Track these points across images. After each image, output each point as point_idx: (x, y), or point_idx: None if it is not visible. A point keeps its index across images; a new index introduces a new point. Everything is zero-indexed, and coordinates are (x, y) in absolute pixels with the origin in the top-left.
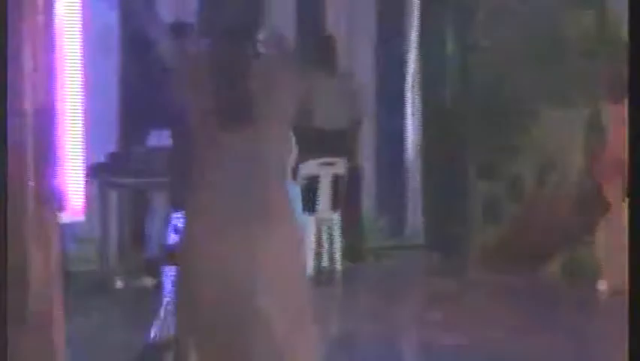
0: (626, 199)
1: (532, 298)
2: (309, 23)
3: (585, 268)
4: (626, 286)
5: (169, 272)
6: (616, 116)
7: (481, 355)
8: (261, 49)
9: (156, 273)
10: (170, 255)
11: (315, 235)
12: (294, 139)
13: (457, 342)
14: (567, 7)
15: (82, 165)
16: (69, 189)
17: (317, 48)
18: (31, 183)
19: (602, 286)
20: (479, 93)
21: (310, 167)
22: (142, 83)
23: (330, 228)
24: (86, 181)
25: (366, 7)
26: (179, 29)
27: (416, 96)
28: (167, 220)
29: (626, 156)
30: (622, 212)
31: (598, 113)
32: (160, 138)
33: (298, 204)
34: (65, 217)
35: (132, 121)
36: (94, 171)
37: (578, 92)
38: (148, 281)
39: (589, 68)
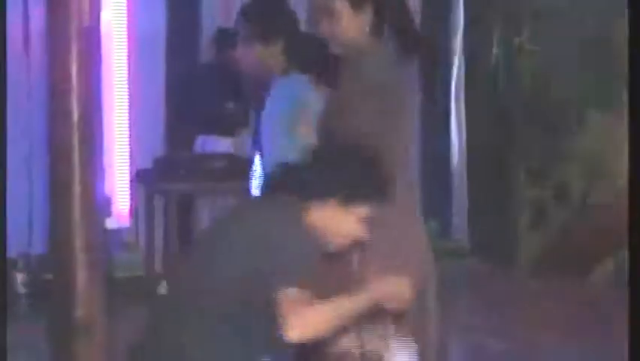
0: None
1: (582, 304)
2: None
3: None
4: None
5: None
6: None
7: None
8: None
9: None
10: None
11: None
12: None
13: (507, 347)
14: (616, 9)
15: (128, 170)
16: (115, 194)
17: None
18: (78, 189)
19: None
20: (527, 97)
21: None
22: (188, 88)
23: None
24: (132, 187)
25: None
26: (224, 36)
27: (462, 98)
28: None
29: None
30: None
31: None
32: (205, 144)
33: None
34: (112, 223)
35: (178, 126)
36: (140, 177)
37: (626, 96)
38: None
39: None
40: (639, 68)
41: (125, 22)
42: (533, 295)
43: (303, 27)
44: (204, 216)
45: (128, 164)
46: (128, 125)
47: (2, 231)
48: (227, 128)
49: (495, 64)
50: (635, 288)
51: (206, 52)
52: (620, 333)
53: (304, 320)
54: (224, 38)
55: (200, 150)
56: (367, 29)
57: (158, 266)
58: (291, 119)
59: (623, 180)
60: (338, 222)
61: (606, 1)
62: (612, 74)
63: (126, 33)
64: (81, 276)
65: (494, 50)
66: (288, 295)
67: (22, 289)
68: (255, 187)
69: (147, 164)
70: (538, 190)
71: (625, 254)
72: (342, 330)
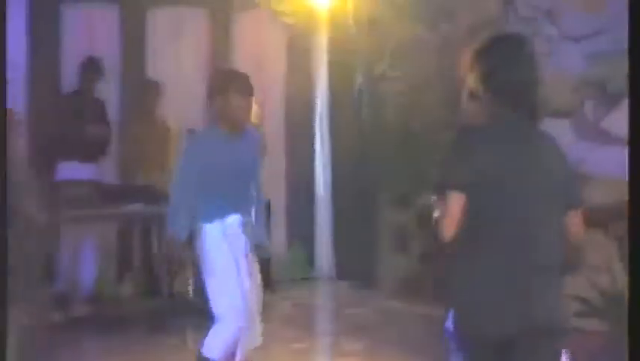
0: None
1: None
2: (218, 59)
3: None
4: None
5: None
6: None
7: None
8: None
9: (65, 308)
10: None
11: None
12: None
13: None
14: (475, 36)
15: None
16: None
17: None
18: None
19: None
20: (390, 123)
21: None
22: (51, 116)
23: None
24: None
25: (275, 43)
26: (90, 66)
27: (325, 128)
28: (77, 254)
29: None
30: None
31: None
32: (69, 171)
33: None
34: None
35: (39, 154)
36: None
37: None
38: (56, 316)
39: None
40: (639, 67)
41: None
42: (397, 317)
43: None
44: (68, 243)
45: None
46: None
47: (3, 232)
48: (89, 155)
49: (358, 91)
50: (636, 288)
51: (68, 80)
52: None
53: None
54: (90, 67)
55: (62, 177)
56: None
57: (19, 294)
58: None
59: None
60: None
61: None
62: None
63: None
64: None
65: (357, 78)
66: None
67: None
68: None
69: None
70: (402, 216)
71: None
72: None
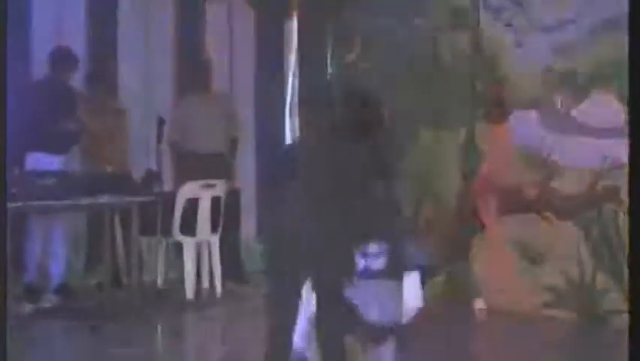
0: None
1: None
2: (188, 48)
3: (463, 288)
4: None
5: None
6: (491, 136)
7: None
8: None
9: (35, 299)
10: None
11: (194, 257)
12: None
13: None
14: (443, 28)
15: None
16: None
17: (193, 71)
18: None
19: (479, 304)
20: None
21: (190, 189)
22: (19, 105)
23: (209, 250)
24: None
25: (245, 32)
26: (60, 56)
27: (295, 118)
28: (46, 245)
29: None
30: (496, 231)
31: (473, 134)
32: (37, 161)
33: None
34: None
35: (9, 143)
36: None
37: (455, 113)
38: (27, 307)
39: (465, 89)
40: (639, 68)
41: None
42: None
43: None
44: (37, 235)
45: None
46: None
47: (3, 229)
48: (58, 146)
49: (328, 82)
50: (636, 288)
51: (37, 69)
52: (449, 344)
53: None
54: (61, 57)
55: (31, 167)
56: None
57: None
58: None
59: (450, 195)
60: None
61: (433, 18)
62: (441, 90)
63: None
64: None
65: (328, 69)
66: None
67: None
68: None
69: None
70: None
71: (457, 266)
72: None
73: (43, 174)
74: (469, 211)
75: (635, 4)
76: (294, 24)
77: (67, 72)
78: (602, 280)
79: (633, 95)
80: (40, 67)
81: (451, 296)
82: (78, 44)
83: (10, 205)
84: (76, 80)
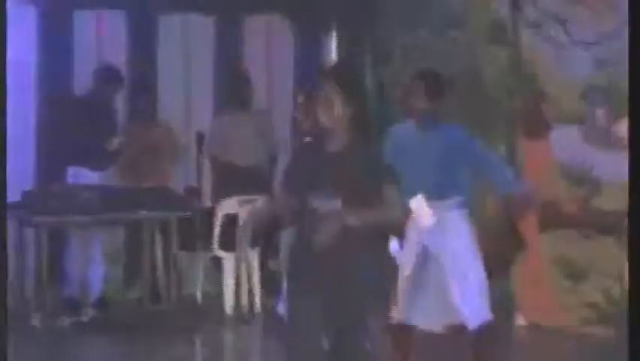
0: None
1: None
2: (227, 64)
3: (502, 304)
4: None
5: None
6: (531, 151)
7: None
8: None
9: (74, 313)
10: None
11: (234, 272)
12: None
13: None
14: (482, 43)
15: None
16: None
17: (232, 87)
18: None
19: (519, 320)
20: None
21: (229, 204)
22: (59, 120)
23: (248, 265)
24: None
25: (284, 46)
26: (105, 74)
27: None
28: (85, 259)
29: None
30: (536, 247)
31: (513, 150)
32: (78, 176)
33: None
34: None
35: (49, 158)
36: (10, 210)
37: (494, 129)
38: (66, 320)
39: (504, 104)
40: (639, 68)
41: None
42: None
43: None
44: (77, 249)
45: None
46: None
47: (3, 230)
48: (99, 161)
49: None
50: (636, 288)
51: (80, 86)
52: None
53: None
54: (106, 75)
55: (72, 181)
56: None
57: (28, 300)
58: None
59: (490, 212)
60: None
61: (471, 31)
62: (480, 106)
63: None
64: None
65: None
66: None
67: None
68: None
69: (16, 197)
70: None
71: (494, 285)
72: None
73: (83, 188)
74: (510, 228)
75: (635, 5)
76: (333, 40)
77: (111, 90)
78: None
79: (633, 96)
80: (80, 83)
81: (490, 312)
82: (119, 61)
83: (50, 219)
84: (120, 96)
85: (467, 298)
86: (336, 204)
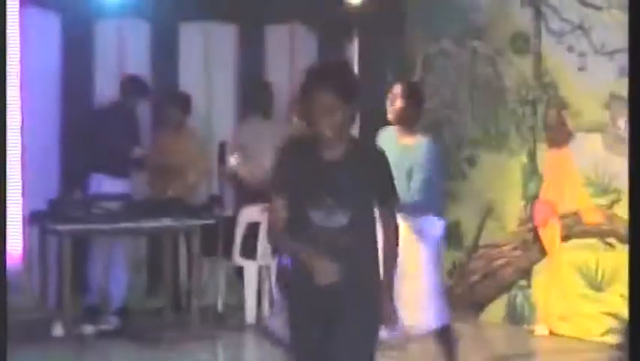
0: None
1: (474, 342)
2: (249, 72)
3: (523, 313)
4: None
5: None
6: (553, 160)
7: None
8: None
9: (95, 320)
10: None
11: (255, 281)
12: None
13: None
14: (504, 51)
15: (21, 211)
16: (7, 235)
17: (255, 95)
18: None
19: (541, 330)
20: None
21: (250, 213)
22: (82, 128)
23: (270, 274)
24: (25, 228)
25: (306, 55)
26: (130, 84)
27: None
28: (108, 267)
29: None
30: (558, 256)
31: (535, 158)
32: (101, 184)
33: None
34: None
35: (72, 167)
36: (33, 218)
37: (516, 138)
38: (88, 329)
39: (526, 112)
40: (639, 69)
41: (19, 58)
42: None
43: None
44: (99, 257)
45: (21, 204)
46: (20, 165)
47: (2, 232)
48: (122, 170)
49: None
50: (635, 289)
51: (103, 94)
52: None
53: None
54: (132, 85)
55: (95, 190)
56: None
57: (51, 308)
58: None
59: (513, 220)
60: None
61: (493, 41)
62: (501, 114)
63: (19, 70)
64: None
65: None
66: None
67: None
68: None
69: (41, 205)
70: None
71: (516, 294)
72: None
73: (107, 196)
74: (531, 237)
75: (635, 4)
76: (356, 47)
77: (136, 99)
78: None
79: (633, 96)
80: (103, 91)
81: (512, 321)
82: (141, 70)
83: (73, 227)
84: (144, 105)
85: (425, 301)
86: (341, 219)
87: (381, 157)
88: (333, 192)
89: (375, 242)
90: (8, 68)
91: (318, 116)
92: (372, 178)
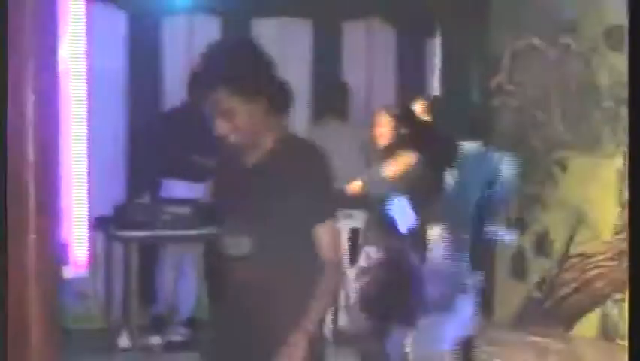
0: None
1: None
2: (325, 71)
3: (618, 328)
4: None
5: None
6: None
7: None
8: None
9: (164, 331)
10: None
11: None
12: None
13: None
14: (598, 48)
15: (86, 217)
16: (73, 242)
17: (330, 95)
18: (33, 236)
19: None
20: (504, 140)
21: None
22: (149, 132)
23: (346, 283)
24: (91, 234)
25: (385, 54)
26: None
27: None
28: (177, 276)
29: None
30: None
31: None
32: (172, 189)
33: None
34: (68, 272)
35: (140, 172)
36: (99, 224)
37: (611, 140)
38: (155, 340)
39: (621, 113)
40: (639, 70)
41: (85, 61)
42: (513, 347)
43: None
44: (167, 264)
45: (87, 210)
46: (86, 170)
47: (2, 231)
48: (195, 174)
49: (473, 105)
50: (635, 289)
51: (170, 95)
52: None
53: None
54: (199, 83)
55: (165, 194)
56: None
57: (117, 317)
58: None
59: (608, 228)
60: None
61: (585, 37)
62: (594, 115)
63: (85, 73)
64: (36, 330)
65: (472, 92)
66: None
67: None
68: None
69: (107, 210)
70: (519, 239)
71: (610, 306)
72: None
73: (175, 202)
74: (627, 244)
75: (635, 4)
76: (438, 44)
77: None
78: None
79: (633, 96)
80: (172, 92)
81: (606, 337)
82: None
83: (140, 234)
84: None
85: None
86: (244, 245)
87: (314, 153)
88: (242, 208)
89: (296, 274)
90: (73, 68)
91: (217, 120)
92: (301, 182)
